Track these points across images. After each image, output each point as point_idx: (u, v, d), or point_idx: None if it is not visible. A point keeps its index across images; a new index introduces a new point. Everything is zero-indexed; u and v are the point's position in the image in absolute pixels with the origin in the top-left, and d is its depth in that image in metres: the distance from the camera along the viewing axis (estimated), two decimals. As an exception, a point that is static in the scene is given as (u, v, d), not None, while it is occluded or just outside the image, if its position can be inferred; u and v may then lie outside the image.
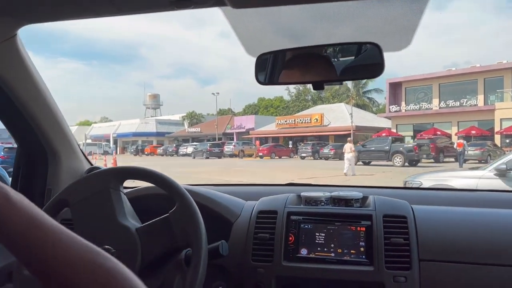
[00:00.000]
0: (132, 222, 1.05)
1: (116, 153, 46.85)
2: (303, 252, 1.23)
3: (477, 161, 21.03)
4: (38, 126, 1.44)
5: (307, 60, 1.15)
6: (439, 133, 28.43)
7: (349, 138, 19.20)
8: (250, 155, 33.41)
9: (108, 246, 0.95)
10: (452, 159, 24.22)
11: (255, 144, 37.47)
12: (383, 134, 32.33)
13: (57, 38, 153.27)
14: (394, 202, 1.31)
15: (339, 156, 27.78)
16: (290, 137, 38.96)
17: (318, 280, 1.20)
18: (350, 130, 33.11)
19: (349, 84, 46.31)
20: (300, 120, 39.61)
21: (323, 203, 1.35)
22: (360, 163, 22.24)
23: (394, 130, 33.09)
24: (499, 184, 6.47)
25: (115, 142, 52.67)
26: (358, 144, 23.14)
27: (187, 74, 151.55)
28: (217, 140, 41.27)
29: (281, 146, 35.42)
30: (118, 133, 54.90)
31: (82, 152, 1.68)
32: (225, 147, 34.82)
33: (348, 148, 16.55)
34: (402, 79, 33.49)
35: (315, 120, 38.17)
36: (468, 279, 1.13)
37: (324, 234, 1.24)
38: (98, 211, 1.05)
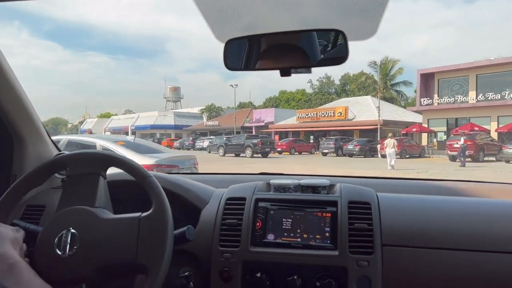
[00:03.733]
0: (107, 212, 1.04)
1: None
2: (270, 237, 1.25)
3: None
4: (2, 111, 1.43)
5: (273, 47, 1.15)
6: (476, 128, 25.80)
7: (390, 134, 19.95)
8: None
9: (73, 230, 0.97)
10: (493, 158, 21.85)
11: (274, 139, 36.08)
12: (414, 130, 30.20)
13: (85, 32, 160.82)
14: (359, 190, 1.34)
15: (364, 153, 26.05)
16: (312, 132, 37.62)
17: (284, 264, 1.20)
18: (377, 125, 31.50)
19: (376, 76, 44.14)
20: (323, 113, 37.93)
21: (291, 190, 1.37)
22: (233, 154, 27.24)
23: (426, 125, 30.64)
24: None
25: (134, 135, 52.03)
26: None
27: (210, 68, 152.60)
28: (234, 134, 39.63)
29: (302, 141, 34.12)
30: (136, 126, 54.87)
31: (50, 138, 1.68)
32: None
33: (391, 143, 17.37)
34: (435, 70, 30.97)
35: (339, 114, 36.33)
36: (428, 263, 1.17)
37: (291, 220, 1.26)
38: (79, 192, 1.05)
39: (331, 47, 1.14)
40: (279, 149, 30.56)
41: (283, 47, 1.14)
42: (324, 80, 53.97)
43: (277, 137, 37.52)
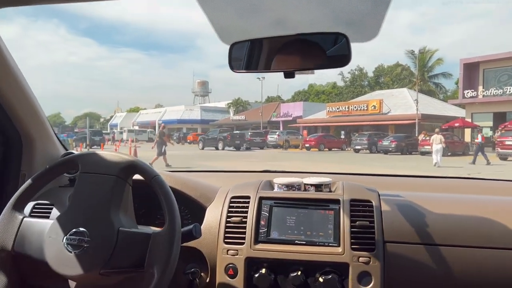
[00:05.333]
0: (121, 218, 1.05)
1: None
2: (274, 234, 1.27)
3: None
4: (11, 110, 1.44)
5: (277, 50, 1.16)
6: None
7: (437, 130, 19.17)
8: (296, 146, 30.63)
9: (83, 229, 1.00)
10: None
11: (302, 134, 34.79)
12: (456, 124, 27.67)
13: (118, 29, 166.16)
14: (361, 187, 1.36)
15: (402, 149, 23.90)
16: (343, 127, 35.47)
17: (288, 261, 1.22)
18: (414, 119, 29.13)
19: (413, 67, 41.45)
20: (355, 107, 35.71)
21: (294, 188, 1.40)
22: (213, 148, 28.80)
23: (469, 120, 27.93)
24: None
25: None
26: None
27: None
28: (261, 128, 38.22)
29: (332, 137, 32.07)
30: (163, 120, 54.22)
31: (57, 137, 1.70)
32: (268, 136, 32.15)
33: (438, 139, 16.80)
34: (480, 59, 28.19)
35: (373, 107, 34.04)
36: (429, 259, 1.19)
37: (294, 218, 1.28)
38: (96, 193, 1.06)
39: (334, 49, 1.12)
40: (307, 145, 28.84)
41: (287, 50, 1.15)
42: (356, 72, 51.52)
43: (305, 132, 35.68)
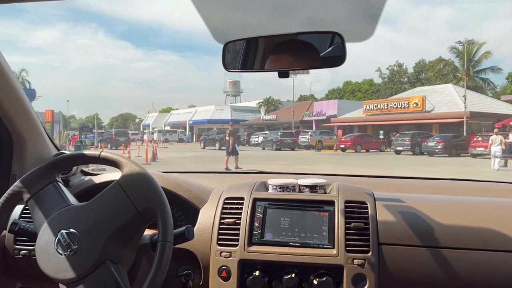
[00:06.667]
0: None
1: (192, 141, 45.92)
2: (268, 236, 1.26)
3: None
4: (1, 110, 1.45)
5: (271, 49, 1.16)
6: None
7: (496, 129, 17.84)
8: (330, 147, 28.92)
9: (73, 230, 0.99)
10: None
11: (336, 134, 32.95)
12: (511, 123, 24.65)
13: (155, 32, 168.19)
14: (356, 189, 1.35)
15: (449, 151, 21.47)
16: (381, 126, 33.06)
17: (282, 263, 1.22)
18: (461, 117, 26.87)
19: (457, 62, 38.41)
20: (395, 104, 33.21)
21: (289, 190, 1.40)
22: (212, 147, 30.00)
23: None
24: None
25: (191, 130, 51.64)
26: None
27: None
28: (293, 128, 36.39)
29: (369, 137, 29.77)
30: (194, 120, 54.28)
31: (49, 137, 1.68)
32: (299, 136, 30.58)
33: (498, 140, 15.84)
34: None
35: (414, 105, 31.44)
36: (425, 261, 1.19)
37: (288, 219, 1.28)
38: (51, 202, 1.06)
39: (329, 48, 1.12)
40: (342, 146, 26.81)
41: (281, 49, 1.14)
42: (395, 68, 48.87)
43: (340, 132, 33.65)
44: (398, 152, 24.48)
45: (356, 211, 1.25)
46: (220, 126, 51.41)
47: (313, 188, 1.37)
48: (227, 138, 14.25)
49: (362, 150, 26.60)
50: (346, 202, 1.26)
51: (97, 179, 1.50)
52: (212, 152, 25.43)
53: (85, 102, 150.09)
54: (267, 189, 1.41)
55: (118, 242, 0.98)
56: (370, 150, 27.02)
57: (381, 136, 30.95)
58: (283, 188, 1.38)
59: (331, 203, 1.27)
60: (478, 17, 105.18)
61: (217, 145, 29.88)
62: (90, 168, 3.97)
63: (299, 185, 1.40)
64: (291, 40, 1.13)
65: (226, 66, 1.16)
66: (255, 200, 1.30)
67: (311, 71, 1.27)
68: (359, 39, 1.22)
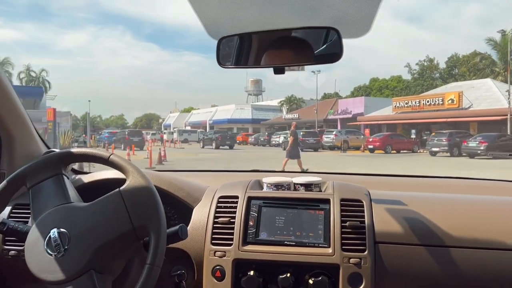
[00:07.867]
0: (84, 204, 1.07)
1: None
2: (263, 235, 1.25)
3: None
4: None
5: (266, 45, 1.16)
6: None
7: None
8: (356, 148, 27.09)
9: (66, 231, 0.98)
10: None
11: (363, 133, 30.92)
12: None
13: (180, 34, 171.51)
14: (351, 187, 1.35)
15: (494, 152, 19.13)
16: (413, 124, 30.76)
17: (277, 262, 1.21)
18: (505, 115, 24.38)
19: (494, 55, 35.57)
20: (428, 101, 30.82)
21: (283, 188, 1.39)
22: (210, 146, 30.78)
23: None
24: None
25: (212, 129, 50.48)
26: None
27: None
28: (316, 127, 34.54)
29: (400, 136, 27.66)
30: (214, 120, 53.48)
31: (39, 135, 1.67)
32: (323, 136, 28.93)
33: None
34: None
35: (450, 101, 28.99)
36: (421, 260, 1.18)
37: (284, 218, 1.27)
38: (52, 195, 1.07)
39: (325, 44, 1.11)
40: (370, 146, 24.81)
41: (277, 45, 1.14)
42: (425, 64, 46.11)
43: (367, 131, 31.55)
44: (433, 153, 22.38)
45: (352, 209, 1.24)
46: (240, 126, 50.22)
47: (308, 186, 1.38)
48: (288, 138, 13.29)
49: (392, 151, 24.53)
50: (342, 200, 1.26)
51: (91, 178, 1.46)
52: (229, 153, 24.10)
53: (114, 102, 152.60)
54: (261, 188, 1.41)
55: (107, 253, 0.97)
56: (401, 151, 24.95)
57: (413, 136, 28.75)
58: (278, 186, 1.38)
59: (327, 201, 1.27)
60: (508, 12, 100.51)
61: (213, 144, 31.01)
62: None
63: (294, 184, 1.40)
64: (286, 36, 1.12)
65: (221, 62, 1.15)
66: (249, 198, 1.30)
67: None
68: (356, 35, 1.20)
